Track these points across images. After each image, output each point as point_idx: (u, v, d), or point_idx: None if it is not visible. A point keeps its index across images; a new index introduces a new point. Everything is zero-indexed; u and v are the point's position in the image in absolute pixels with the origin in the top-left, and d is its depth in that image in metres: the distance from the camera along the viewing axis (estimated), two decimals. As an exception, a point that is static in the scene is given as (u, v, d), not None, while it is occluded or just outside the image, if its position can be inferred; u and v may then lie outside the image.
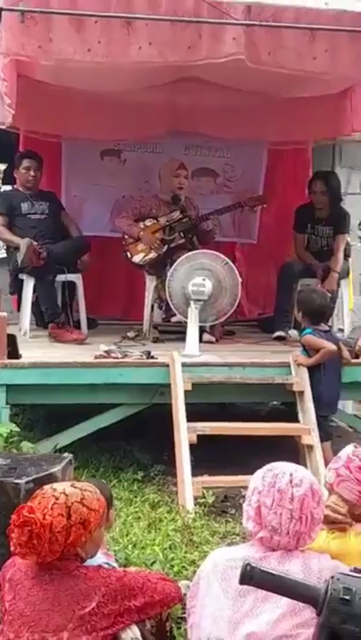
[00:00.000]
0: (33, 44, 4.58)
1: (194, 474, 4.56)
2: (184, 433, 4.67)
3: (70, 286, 6.32)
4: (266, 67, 4.87)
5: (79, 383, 5.03)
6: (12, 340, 5.02)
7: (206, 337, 5.93)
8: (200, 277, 5.51)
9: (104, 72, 5.29)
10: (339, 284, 6.43)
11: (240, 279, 5.74)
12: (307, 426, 4.94)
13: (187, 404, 4.81)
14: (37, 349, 5.45)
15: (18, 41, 4.56)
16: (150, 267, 6.28)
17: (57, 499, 2.39)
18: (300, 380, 5.08)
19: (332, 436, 5.25)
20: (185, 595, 2.50)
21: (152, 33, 4.64)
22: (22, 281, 6.13)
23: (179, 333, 5.84)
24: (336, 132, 6.86)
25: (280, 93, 6.43)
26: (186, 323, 5.55)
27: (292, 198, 7.21)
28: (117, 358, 5.18)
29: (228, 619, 2.10)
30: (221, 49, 4.71)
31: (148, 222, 6.29)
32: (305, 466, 4.74)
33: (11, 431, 4.72)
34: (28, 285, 6.06)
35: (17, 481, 3.06)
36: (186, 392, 4.87)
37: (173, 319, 6.14)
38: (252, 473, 2.35)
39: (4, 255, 6.68)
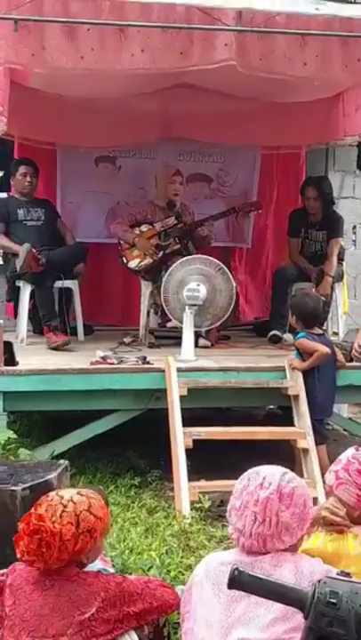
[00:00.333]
0: (26, 52, 4.57)
1: (190, 479, 4.57)
2: (180, 438, 4.67)
3: (67, 293, 6.31)
4: (257, 72, 4.87)
5: (76, 390, 5.04)
6: (8, 348, 5.04)
7: (202, 342, 5.94)
8: (195, 282, 5.52)
9: (97, 79, 5.29)
10: (333, 288, 6.44)
11: (235, 284, 5.75)
12: (302, 430, 4.95)
13: (183, 409, 4.81)
14: (34, 356, 5.45)
15: (11, 49, 4.55)
16: (146, 272, 6.29)
17: (65, 507, 2.39)
18: (295, 384, 5.08)
19: (327, 439, 5.28)
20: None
21: (144, 40, 4.64)
22: (19, 288, 6.11)
23: (175, 339, 5.85)
24: (329, 137, 6.88)
25: (273, 99, 6.46)
26: (181, 328, 5.56)
27: (286, 203, 7.24)
28: (113, 364, 5.20)
29: (220, 624, 2.07)
30: (213, 55, 4.71)
31: (144, 228, 6.30)
32: (301, 469, 4.77)
33: (8, 438, 4.74)
34: (25, 292, 6.04)
35: (13, 488, 3.09)
36: (181, 397, 4.88)
37: (169, 324, 6.13)
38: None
39: (1, 262, 6.68)
